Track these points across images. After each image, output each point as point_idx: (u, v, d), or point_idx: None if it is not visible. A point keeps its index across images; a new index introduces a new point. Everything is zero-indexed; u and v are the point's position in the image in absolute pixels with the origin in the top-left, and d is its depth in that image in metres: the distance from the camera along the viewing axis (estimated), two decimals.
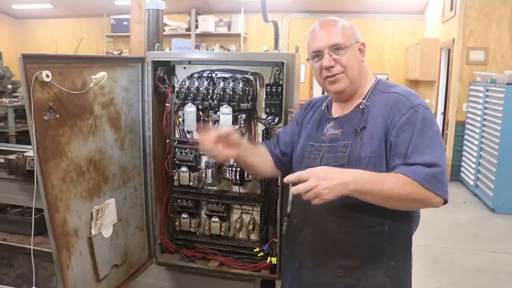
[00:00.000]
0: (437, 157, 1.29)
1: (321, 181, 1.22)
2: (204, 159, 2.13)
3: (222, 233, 2.13)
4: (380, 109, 1.38)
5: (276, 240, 1.98)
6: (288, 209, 1.64)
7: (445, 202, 1.33)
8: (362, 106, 1.42)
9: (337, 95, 1.48)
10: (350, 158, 1.35)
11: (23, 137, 5.96)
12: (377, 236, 1.39)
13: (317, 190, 1.21)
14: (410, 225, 1.46)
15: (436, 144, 1.32)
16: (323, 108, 1.56)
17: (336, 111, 1.51)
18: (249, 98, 1.99)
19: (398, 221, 1.41)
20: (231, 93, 1.99)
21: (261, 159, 1.63)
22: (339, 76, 1.41)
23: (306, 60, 1.50)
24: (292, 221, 1.55)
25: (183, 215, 2.17)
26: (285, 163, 1.63)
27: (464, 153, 6.17)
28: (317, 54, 1.42)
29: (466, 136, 6.12)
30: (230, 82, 2.01)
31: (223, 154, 1.47)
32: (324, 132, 1.48)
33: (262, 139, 2.03)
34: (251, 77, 2.02)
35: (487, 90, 5.39)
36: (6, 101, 6.28)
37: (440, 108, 6.98)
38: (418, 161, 1.28)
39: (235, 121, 2.01)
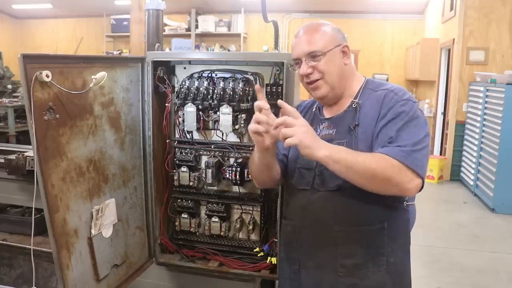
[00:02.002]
0: (418, 141, 1.29)
1: (300, 128, 1.25)
2: (204, 159, 2.13)
3: (222, 233, 2.13)
4: (372, 106, 1.40)
5: (276, 240, 1.98)
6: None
7: (421, 187, 1.29)
8: (354, 105, 1.44)
9: (320, 100, 1.50)
10: None
11: (23, 137, 5.97)
12: (377, 233, 1.39)
13: (292, 130, 1.24)
14: (408, 222, 1.47)
15: (418, 130, 1.31)
16: (314, 109, 1.57)
17: (329, 111, 1.52)
18: (249, 98, 1.99)
19: (396, 217, 1.42)
20: (231, 93, 1.99)
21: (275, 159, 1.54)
22: (318, 83, 1.43)
23: (289, 67, 1.52)
24: (289, 223, 1.55)
25: (183, 215, 2.17)
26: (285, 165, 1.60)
27: (464, 153, 6.18)
28: (297, 62, 1.45)
29: (466, 136, 6.12)
30: (230, 82, 2.01)
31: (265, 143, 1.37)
32: (317, 133, 1.48)
33: None
34: (251, 77, 2.02)
35: (487, 90, 5.39)
36: (6, 101, 6.28)
37: (440, 108, 6.98)
38: (398, 144, 1.28)
39: (235, 121, 2.01)
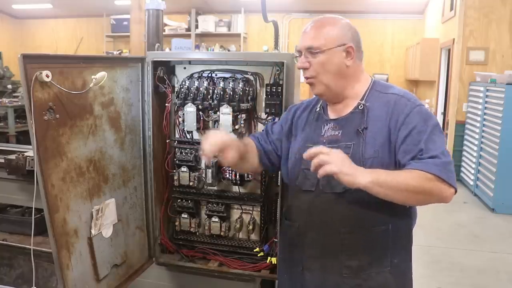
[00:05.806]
0: (444, 151, 1.32)
1: (337, 156, 1.24)
2: (204, 159, 2.13)
3: (222, 233, 2.13)
4: (381, 110, 1.39)
5: (276, 240, 1.98)
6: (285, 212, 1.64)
7: (455, 193, 1.34)
8: (361, 107, 1.42)
9: (320, 97, 1.51)
10: (354, 158, 1.33)
11: (23, 137, 5.97)
12: (381, 235, 1.40)
13: (328, 158, 1.23)
14: (411, 222, 1.48)
15: (441, 139, 1.35)
16: (317, 109, 1.55)
17: (333, 112, 1.50)
18: (249, 98, 1.99)
19: (400, 219, 1.43)
20: (231, 93, 1.99)
21: (251, 155, 1.60)
22: (312, 80, 1.43)
23: (293, 57, 1.54)
24: (293, 225, 1.54)
25: (183, 215, 2.17)
26: (270, 158, 1.63)
27: (464, 153, 6.17)
28: (299, 54, 1.45)
29: (466, 136, 6.12)
30: (230, 82, 2.01)
31: (228, 159, 1.47)
32: (322, 134, 1.48)
33: None
34: (251, 77, 2.02)
35: (487, 90, 5.38)
36: (6, 101, 6.28)
37: (440, 108, 6.98)
38: (429, 155, 1.29)
39: (235, 121, 2.01)
